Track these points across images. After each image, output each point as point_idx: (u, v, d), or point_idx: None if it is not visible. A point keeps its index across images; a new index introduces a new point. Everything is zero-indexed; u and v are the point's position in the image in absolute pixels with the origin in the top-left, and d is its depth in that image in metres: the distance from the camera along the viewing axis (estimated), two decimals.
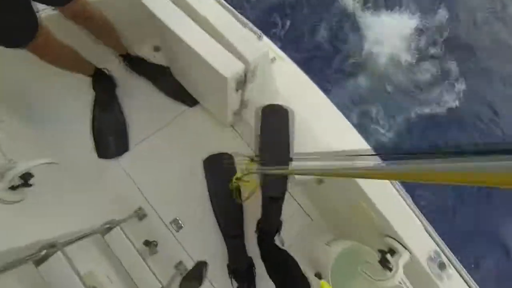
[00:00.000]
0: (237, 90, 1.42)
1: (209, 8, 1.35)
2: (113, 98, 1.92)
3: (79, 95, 1.86)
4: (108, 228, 1.30)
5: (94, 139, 1.83)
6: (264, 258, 1.65)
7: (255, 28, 1.52)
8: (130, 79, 1.97)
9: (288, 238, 1.75)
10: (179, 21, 1.30)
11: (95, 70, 1.83)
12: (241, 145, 1.89)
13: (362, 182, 1.33)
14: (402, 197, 1.35)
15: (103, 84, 1.88)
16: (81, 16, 1.50)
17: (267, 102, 1.52)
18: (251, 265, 1.66)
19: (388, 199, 1.34)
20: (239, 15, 1.44)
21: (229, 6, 1.44)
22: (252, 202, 1.61)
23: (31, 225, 1.07)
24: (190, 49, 1.25)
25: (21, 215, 1.05)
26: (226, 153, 1.83)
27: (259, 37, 1.51)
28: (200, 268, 1.33)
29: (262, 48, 1.39)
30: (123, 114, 1.90)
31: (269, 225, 1.62)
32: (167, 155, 1.85)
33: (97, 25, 1.61)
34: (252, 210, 1.69)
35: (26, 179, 1.05)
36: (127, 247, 1.30)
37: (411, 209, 1.34)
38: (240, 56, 1.28)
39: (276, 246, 1.65)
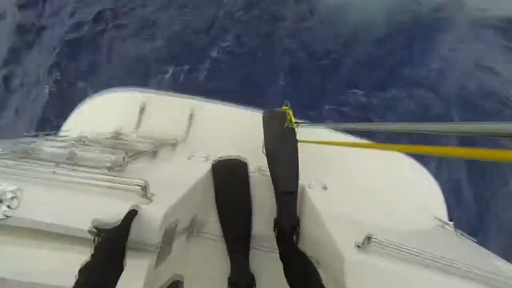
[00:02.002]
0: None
1: None
2: None
3: None
4: None
5: None
6: (282, 257, 1.58)
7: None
8: None
9: None
10: None
11: None
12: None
13: None
14: None
15: None
16: None
17: None
18: (252, 282, 1.60)
19: None
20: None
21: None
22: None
23: None
24: None
25: None
26: (239, 160, 1.77)
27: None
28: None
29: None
30: None
31: (286, 219, 1.64)
32: None
33: None
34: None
35: None
36: None
37: None
38: None
39: (296, 246, 1.60)
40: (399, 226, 1.61)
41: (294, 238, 1.69)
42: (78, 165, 1.22)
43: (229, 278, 1.60)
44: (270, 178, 1.79)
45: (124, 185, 1.01)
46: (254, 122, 2.16)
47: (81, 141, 1.62)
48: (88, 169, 1.19)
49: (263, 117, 1.95)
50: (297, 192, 1.72)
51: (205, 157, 1.95)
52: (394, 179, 2.04)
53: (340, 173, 1.99)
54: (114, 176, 1.01)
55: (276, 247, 1.55)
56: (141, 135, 2.15)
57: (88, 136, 1.65)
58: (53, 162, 1.20)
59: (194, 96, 2.28)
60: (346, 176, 1.98)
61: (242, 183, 1.68)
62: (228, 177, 1.67)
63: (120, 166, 1.21)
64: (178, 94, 2.29)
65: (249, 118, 2.17)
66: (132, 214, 1.00)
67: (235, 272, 1.61)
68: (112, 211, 0.97)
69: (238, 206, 1.67)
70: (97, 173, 1.02)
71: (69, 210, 0.98)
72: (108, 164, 1.14)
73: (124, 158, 1.22)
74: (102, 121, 2.32)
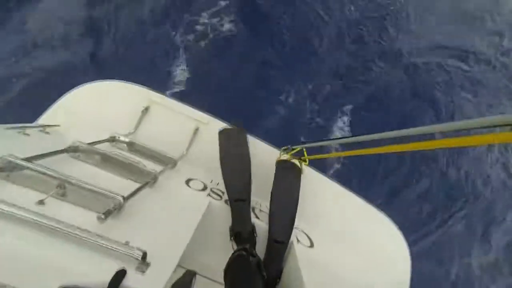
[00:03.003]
0: None
1: None
2: None
3: None
4: None
5: None
6: None
7: None
8: None
9: None
10: None
11: None
12: None
13: None
14: None
15: None
16: None
17: None
18: (253, 231, 1.70)
19: None
20: None
21: None
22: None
23: None
24: None
25: None
26: (241, 128, 1.92)
27: None
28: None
29: None
30: None
31: (270, 268, 1.63)
32: None
33: None
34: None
35: None
36: None
37: None
38: None
39: None
40: None
41: None
42: (67, 200, 1.06)
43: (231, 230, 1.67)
44: (261, 222, 1.76)
45: (121, 251, 0.88)
46: (259, 155, 2.04)
47: (74, 148, 1.43)
48: (79, 211, 1.04)
49: (277, 162, 1.88)
50: (287, 244, 1.71)
51: (203, 184, 1.82)
52: (373, 242, 2.08)
53: (329, 229, 1.97)
54: (112, 242, 0.87)
55: None
56: (137, 140, 1.96)
57: (79, 143, 1.44)
58: (38, 191, 1.03)
59: (203, 112, 2.11)
60: (334, 233, 1.97)
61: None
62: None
63: (119, 209, 1.07)
64: (187, 104, 2.11)
65: (256, 150, 2.04)
66: (120, 277, 0.87)
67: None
68: (99, 274, 0.84)
69: None
70: (87, 232, 0.87)
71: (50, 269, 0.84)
72: (104, 209, 0.99)
73: (121, 201, 1.07)
74: (97, 110, 2.10)
